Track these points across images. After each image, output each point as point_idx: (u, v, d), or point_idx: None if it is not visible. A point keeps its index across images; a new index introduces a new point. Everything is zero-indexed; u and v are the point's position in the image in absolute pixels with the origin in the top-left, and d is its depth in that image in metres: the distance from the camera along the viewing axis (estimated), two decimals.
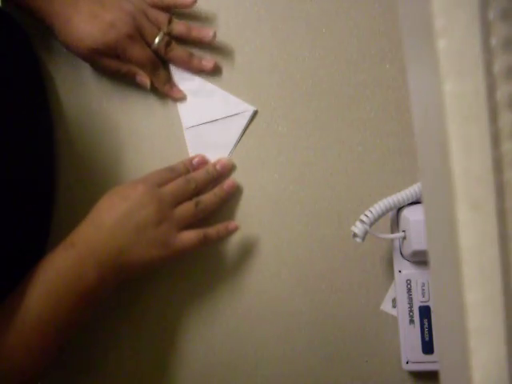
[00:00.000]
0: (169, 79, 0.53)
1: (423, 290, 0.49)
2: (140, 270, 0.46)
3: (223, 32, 0.54)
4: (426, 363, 0.49)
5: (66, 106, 0.54)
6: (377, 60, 0.53)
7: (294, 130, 0.53)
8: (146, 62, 0.50)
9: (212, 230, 0.49)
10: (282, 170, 0.53)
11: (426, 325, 0.49)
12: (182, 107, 0.54)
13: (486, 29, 0.19)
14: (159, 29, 0.51)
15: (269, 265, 0.53)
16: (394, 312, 0.52)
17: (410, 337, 0.49)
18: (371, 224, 0.46)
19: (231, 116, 0.53)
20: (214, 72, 0.54)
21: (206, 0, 0.54)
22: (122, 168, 0.54)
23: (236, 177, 0.54)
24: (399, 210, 0.49)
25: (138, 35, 0.49)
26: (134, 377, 0.54)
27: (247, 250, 0.53)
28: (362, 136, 0.53)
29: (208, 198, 0.50)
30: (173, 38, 0.52)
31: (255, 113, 0.53)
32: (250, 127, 0.54)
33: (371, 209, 0.46)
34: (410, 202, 0.47)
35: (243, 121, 0.53)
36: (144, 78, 0.51)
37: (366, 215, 0.46)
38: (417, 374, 0.52)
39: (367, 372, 0.52)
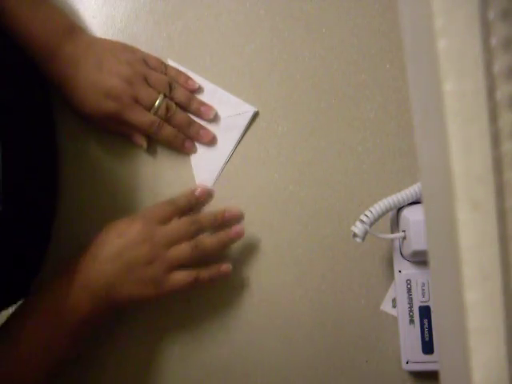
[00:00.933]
0: (177, 134, 0.52)
1: (423, 289, 0.49)
2: (130, 305, 0.48)
3: (223, 32, 0.54)
4: (426, 363, 0.49)
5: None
6: (377, 60, 0.53)
7: (294, 130, 0.53)
8: (146, 126, 0.50)
9: (204, 273, 0.48)
10: (282, 169, 0.53)
11: (426, 325, 0.49)
12: None
13: (486, 29, 0.19)
14: (159, 92, 0.50)
15: (269, 265, 0.53)
16: (394, 312, 0.52)
17: (410, 337, 0.49)
18: (371, 224, 0.46)
19: (232, 116, 0.53)
20: (215, 73, 0.54)
21: (206, 0, 0.54)
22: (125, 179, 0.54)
23: (236, 177, 0.54)
24: (399, 210, 0.49)
25: (135, 103, 0.48)
26: (133, 379, 0.54)
27: (247, 250, 0.53)
28: (362, 136, 0.53)
29: (209, 241, 0.49)
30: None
31: (256, 113, 0.53)
32: (250, 127, 0.54)
33: (371, 209, 0.46)
34: (409, 202, 0.47)
35: (244, 121, 0.53)
36: (139, 140, 0.51)
37: (365, 215, 0.46)
38: (417, 374, 0.52)
39: (367, 372, 0.52)
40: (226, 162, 0.53)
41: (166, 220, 0.47)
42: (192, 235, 0.48)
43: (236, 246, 0.53)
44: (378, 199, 0.47)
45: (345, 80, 0.53)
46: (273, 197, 0.53)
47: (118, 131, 0.52)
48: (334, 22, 0.53)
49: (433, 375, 0.51)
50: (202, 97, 0.53)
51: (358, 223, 0.46)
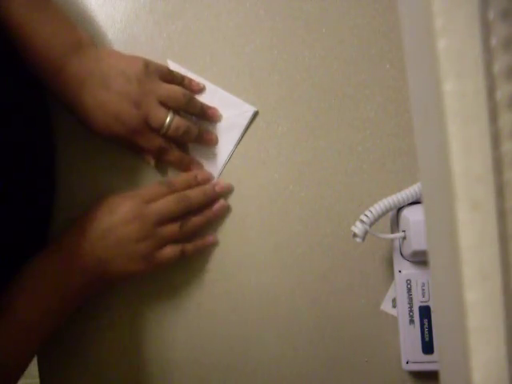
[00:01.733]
0: (182, 159, 0.52)
1: (423, 289, 0.49)
2: (121, 280, 0.49)
3: (223, 32, 0.54)
4: (425, 363, 0.49)
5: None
6: (377, 60, 0.53)
7: (294, 130, 0.53)
8: (154, 150, 0.50)
9: (190, 246, 0.51)
10: (281, 170, 0.53)
11: (426, 325, 0.49)
12: None
13: (485, 29, 0.19)
14: (168, 108, 0.49)
15: (269, 265, 0.53)
16: (394, 312, 0.52)
17: (410, 337, 0.49)
18: (371, 224, 0.46)
19: (232, 116, 0.53)
20: (215, 73, 0.54)
21: (206, 0, 0.54)
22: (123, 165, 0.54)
23: (236, 177, 0.54)
24: (399, 210, 0.49)
25: (145, 126, 0.48)
26: (132, 377, 0.54)
27: (247, 250, 0.53)
28: (362, 136, 0.53)
29: (195, 219, 0.51)
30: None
31: (256, 113, 0.53)
32: (251, 127, 0.54)
33: (371, 209, 0.46)
34: (409, 202, 0.47)
35: (244, 121, 0.53)
36: (148, 158, 0.52)
37: (366, 215, 0.46)
38: (417, 374, 0.52)
39: (367, 372, 0.52)
40: (227, 162, 0.53)
41: (157, 199, 0.48)
42: (181, 212, 0.49)
43: (236, 246, 0.53)
44: (378, 199, 0.47)
45: (345, 80, 0.53)
46: (273, 197, 0.53)
47: (127, 147, 0.52)
48: (334, 22, 0.53)
49: (433, 375, 0.51)
50: (203, 97, 0.53)
51: (358, 223, 0.46)
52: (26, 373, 0.45)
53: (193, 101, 0.51)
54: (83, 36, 0.48)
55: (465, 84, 0.19)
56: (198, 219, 0.51)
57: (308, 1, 0.54)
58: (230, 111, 0.53)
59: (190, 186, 0.51)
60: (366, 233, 0.46)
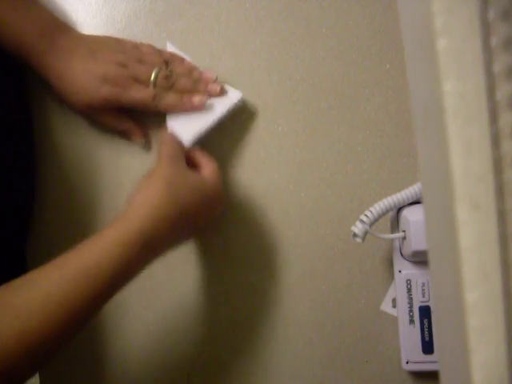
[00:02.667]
0: (181, 97, 0.51)
1: (423, 290, 0.49)
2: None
3: (223, 32, 0.54)
4: (426, 363, 0.49)
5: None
6: (377, 60, 0.53)
7: (294, 130, 0.53)
8: (148, 101, 0.49)
9: (169, 97, 0.50)
10: (281, 169, 0.53)
11: (426, 325, 0.49)
12: None
13: (486, 29, 0.19)
14: (154, 67, 0.49)
15: (269, 265, 0.53)
16: (394, 312, 0.52)
17: (410, 337, 0.49)
18: (371, 224, 0.46)
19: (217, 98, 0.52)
20: (214, 73, 0.54)
21: (206, 0, 0.54)
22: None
23: (236, 177, 0.54)
24: (399, 210, 0.49)
25: (132, 81, 0.49)
26: (132, 377, 0.54)
27: (247, 250, 0.53)
28: (362, 136, 0.53)
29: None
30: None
31: (241, 101, 0.52)
32: (251, 127, 0.54)
33: (371, 209, 0.46)
34: (410, 202, 0.47)
35: (227, 104, 0.51)
36: (138, 138, 0.52)
37: (366, 215, 0.46)
38: (417, 374, 0.52)
39: (367, 372, 0.52)
40: (198, 136, 0.50)
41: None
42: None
43: (236, 246, 0.53)
44: (378, 199, 0.47)
45: (345, 80, 0.53)
46: (273, 197, 0.53)
47: (113, 127, 0.52)
48: (334, 21, 0.53)
49: (433, 375, 0.51)
50: None
51: (358, 223, 0.46)
52: None
53: (176, 63, 0.51)
54: (65, 21, 0.51)
55: (465, 84, 0.19)
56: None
57: (308, 1, 0.54)
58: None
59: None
60: (366, 233, 0.46)
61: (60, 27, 0.49)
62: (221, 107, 0.51)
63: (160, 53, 0.52)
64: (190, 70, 0.51)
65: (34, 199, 0.53)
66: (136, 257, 0.41)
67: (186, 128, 0.50)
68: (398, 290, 0.50)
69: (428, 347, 0.48)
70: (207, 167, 0.48)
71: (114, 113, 0.51)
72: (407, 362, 0.49)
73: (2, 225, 0.47)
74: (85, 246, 0.40)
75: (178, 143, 0.48)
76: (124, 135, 0.53)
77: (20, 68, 0.52)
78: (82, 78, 0.47)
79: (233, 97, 0.52)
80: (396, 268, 0.50)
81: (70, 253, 0.39)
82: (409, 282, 0.49)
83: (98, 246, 0.40)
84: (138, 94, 0.49)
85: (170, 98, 0.50)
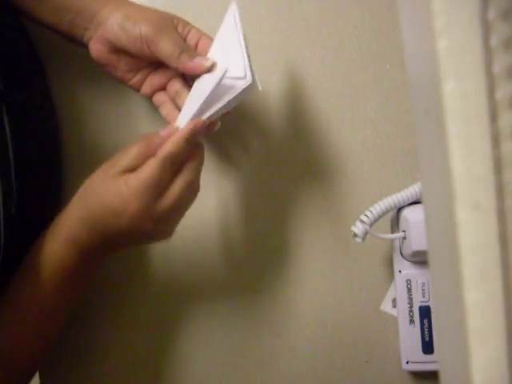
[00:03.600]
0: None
1: (423, 289, 0.49)
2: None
3: None
4: (426, 363, 0.49)
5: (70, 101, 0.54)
6: (377, 60, 0.53)
7: (294, 130, 0.53)
8: (181, 46, 0.45)
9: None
10: (282, 170, 0.53)
11: (426, 325, 0.49)
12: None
13: (486, 29, 0.19)
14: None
15: (268, 265, 0.53)
16: (394, 312, 0.52)
17: (410, 337, 0.49)
18: (371, 224, 0.46)
19: (229, 79, 0.44)
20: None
21: (206, 0, 0.54)
22: None
23: (236, 177, 0.54)
24: (399, 210, 0.49)
25: (171, 24, 0.46)
26: (132, 377, 0.54)
27: (247, 250, 0.53)
28: (362, 136, 0.53)
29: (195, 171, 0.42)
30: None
31: (252, 87, 0.44)
32: (250, 128, 0.54)
33: (371, 209, 0.46)
34: (410, 202, 0.47)
35: (233, 90, 0.43)
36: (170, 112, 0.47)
37: (366, 215, 0.46)
38: (417, 374, 0.52)
39: (367, 372, 0.52)
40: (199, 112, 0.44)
41: (166, 189, 0.41)
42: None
43: (236, 246, 0.53)
44: (378, 199, 0.47)
45: (345, 80, 0.53)
46: (273, 197, 0.53)
47: (130, 77, 0.48)
48: (334, 21, 0.53)
49: (433, 375, 0.51)
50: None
51: (358, 223, 0.46)
52: None
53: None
54: None
55: (465, 84, 0.19)
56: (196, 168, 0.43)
57: (308, 1, 0.54)
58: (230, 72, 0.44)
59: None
60: (366, 233, 0.46)
61: None
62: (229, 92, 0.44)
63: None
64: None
65: (60, 205, 0.53)
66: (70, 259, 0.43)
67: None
68: (398, 290, 0.50)
69: (428, 347, 0.48)
70: (142, 172, 0.40)
71: (134, 61, 0.47)
72: (407, 362, 0.49)
73: (29, 221, 0.47)
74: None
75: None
76: (134, 87, 0.49)
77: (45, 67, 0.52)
78: (118, 12, 0.45)
79: (240, 84, 0.43)
80: (396, 268, 0.50)
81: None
82: (409, 282, 0.49)
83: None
84: (175, 40, 0.45)
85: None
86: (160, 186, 0.40)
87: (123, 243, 0.45)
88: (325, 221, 0.53)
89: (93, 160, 0.54)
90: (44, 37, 0.53)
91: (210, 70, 0.46)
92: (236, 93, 0.43)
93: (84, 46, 0.47)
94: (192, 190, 0.42)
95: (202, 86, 0.45)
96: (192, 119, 0.43)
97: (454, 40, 0.19)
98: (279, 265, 0.53)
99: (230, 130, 0.54)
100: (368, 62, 0.53)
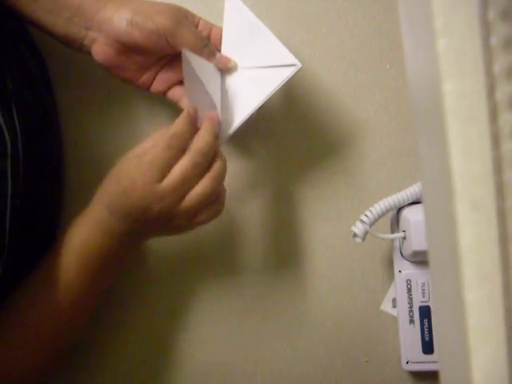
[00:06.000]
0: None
1: (423, 289, 0.49)
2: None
3: None
4: (426, 363, 0.49)
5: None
6: (377, 60, 0.53)
7: (294, 130, 0.53)
8: (198, 40, 0.44)
9: (222, 198, 0.45)
10: (282, 169, 0.53)
11: (426, 325, 0.49)
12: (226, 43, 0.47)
13: (486, 29, 0.19)
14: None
15: (268, 265, 0.53)
16: (394, 312, 0.52)
17: (410, 337, 0.49)
18: (371, 224, 0.46)
19: (270, 67, 0.45)
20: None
21: (206, 0, 0.54)
22: None
23: (236, 178, 0.54)
24: (399, 210, 0.49)
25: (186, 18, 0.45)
26: (132, 377, 0.54)
27: (247, 250, 0.53)
28: (361, 136, 0.53)
29: (219, 165, 0.43)
30: None
31: (299, 70, 0.44)
32: (250, 129, 0.54)
33: (371, 209, 0.46)
34: (410, 202, 0.47)
35: (281, 76, 0.44)
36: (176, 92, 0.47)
37: (366, 215, 0.46)
38: (417, 374, 0.52)
39: (367, 372, 0.52)
40: (248, 117, 0.46)
41: (170, 168, 0.41)
42: (201, 175, 0.43)
43: (236, 246, 0.53)
44: (378, 199, 0.47)
45: (345, 80, 0.53)
46: (273, 197, 0.53)
47: (138, 75, 0.47)
48: (334, 21, 0.53)
49: (433, 375, 0.51)
50: (249, 36, 0.47)
51: (358, 223, 0.46)
52: None
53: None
54: None
55: (465, 84, 0.19)
56: (220, 163, 0.43)
57: (308, 1, 0.54)
58: (271, 60, 0.45)
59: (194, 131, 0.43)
60: (366, 233, 0.46)
61: None
62: (272, 84, 0.44)
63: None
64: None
65: (61, 205, 0.53)
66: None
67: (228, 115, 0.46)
68: (398, 290, 0.50)
69: (428, 347, 0.48)
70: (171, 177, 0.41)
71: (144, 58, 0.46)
72: (407, 362, 0.49)
73: (34, 225, 0.47)
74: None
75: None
76: (143, 86, 0.48)
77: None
78: (123, 9, 0.43)
79: (288, 70, 0.44)
80: (396, 268, 0.50)
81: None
82: (409, 282, 0.49)
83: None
84: (192, 34, 0.44)
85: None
86: (163, 165, 0.41)
87: (146, 227, 0.43)
88: (325, 221, 0.53)
89: (93, 159, 0.54)
90: (46, 38, 0.53)
91: (231, 70, 0.46)
92: (285, 79, 0.44)
93: (84, 51, 0.46)
94: (197, 173, 0.42)
95: (243, 85, 0.45)
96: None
97: (453, 40, 0.19)
98: (279, 265, 0.53)
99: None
100: (368, 62, 0.53)
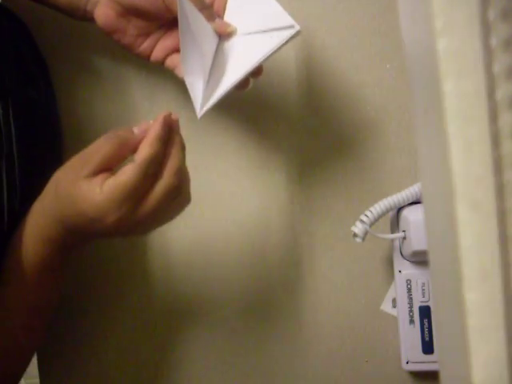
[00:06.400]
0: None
1: (423, 289, 0.49)
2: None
3: None
4: (426, 363, 0.49)
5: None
6: (377, 60, 0.53)
7: (294, 130, 0.53)
8: (197, 3, 0.42)
9: (185, 190, 0.41)
10: (282, 169, 0.53)
11: (426, 325, 0.49)
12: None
13: (486, 29, 0.19)
14: None
15: (268, 265, 0.53)
16: (394, 312, 0.52)
17: (409, 337, 0.49)
18: (371, 224, 0.46)
19: (269, 31, 0.44)
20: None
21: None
22: None
23: (236, 178, 0.54)
24: (399, 210, 0.49)
25: None
26: (132, 377, 0.54)
27: (247, 250, 0.53)
28: (362, 136, 0.53)
29: (172, 163, 0.38)
30: None
31: (298, 33, 0.43)
32: (250, 128, 0.54)
33: (371, 209, 0.46)
34: (409, 202, 0.47)
35: (278, 39, 0.43)
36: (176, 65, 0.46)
37: (366, 215, 0.46)
38: (417, 374, 0.52)
39: (367, 372, 0.52)
40: (244, 76, 0.43)
41: (146, 194, 0.38)
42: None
43: (236, 246, 0.53)
44: (378, 199, 0.47)
45: (345, 80, 0.53)
46: (273, 196, 0.53)
47: (140, 42, 0.46)
48: (334, 21, 0.53)
49: (433, 375, 0.51)
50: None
51: (358, 223, 0.46)
52: (25, 373, 0.45)
53: None
54: None
55: (465, 84, 0.19)
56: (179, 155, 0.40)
57: (308, 1, 0.54)
58: (268, 24, 0.44)
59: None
60: (366, 233, 0.46)
61: None
62: (266, 48, 0.43)
63: None
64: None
65: None
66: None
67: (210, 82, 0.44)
68: (398, 290, 0.50)
69: (428, 347, 0.48)
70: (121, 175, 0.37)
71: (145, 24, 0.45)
72: (407, 362, 0.49)
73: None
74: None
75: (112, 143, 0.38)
76: (143, 54, 0.47)
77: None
78: None
79: (286, 33, 0.43)
80: (396, 268, 0.50)
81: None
82: (409, 282, 0.49)
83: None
84: None
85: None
86: (139, 192, 0.37)
87: (104, 238, 0.44)
88: (325, 221, 0.53)
89: None
90: (46, 38, 0.53)
91: (230, 35, 0.45)
92: (283, 41, 0.43)
93: (87, 18, 0.46)
94: (176, 192, 0.39)
95: (239, 47, 0.44)
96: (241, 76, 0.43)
97: (453, 40, 0.19)
98: (279, 265, 0.53)
99: (230, 130, 0.54)
100: (368, 62, 0.53)
